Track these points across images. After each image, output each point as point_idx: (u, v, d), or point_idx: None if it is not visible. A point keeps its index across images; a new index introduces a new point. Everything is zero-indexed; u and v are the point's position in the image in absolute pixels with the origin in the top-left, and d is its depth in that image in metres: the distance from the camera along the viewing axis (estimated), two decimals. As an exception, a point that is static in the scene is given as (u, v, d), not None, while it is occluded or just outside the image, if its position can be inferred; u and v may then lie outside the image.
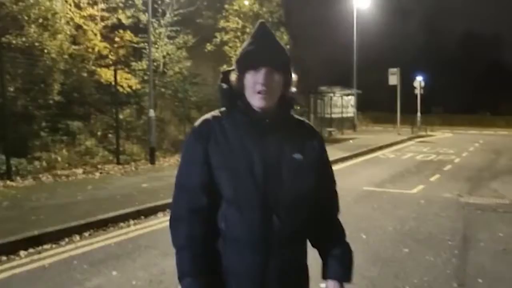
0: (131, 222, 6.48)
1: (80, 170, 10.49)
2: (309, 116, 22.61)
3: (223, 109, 1.71)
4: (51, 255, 5.10)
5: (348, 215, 6.98)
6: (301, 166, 1.67)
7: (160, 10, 15.32)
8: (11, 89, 10.35)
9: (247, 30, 17.46)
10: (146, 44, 13.79)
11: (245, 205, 1.60)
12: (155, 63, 15.35)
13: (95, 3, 14.06)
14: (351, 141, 20.88)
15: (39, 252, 5.14)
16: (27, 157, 10.07)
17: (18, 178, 9.12)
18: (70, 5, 12.97)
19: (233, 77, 1.66)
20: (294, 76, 1.74)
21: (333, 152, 15.64)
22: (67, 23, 12.63)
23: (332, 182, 1.86)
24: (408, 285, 4.26)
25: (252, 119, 1.64)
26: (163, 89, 15.63)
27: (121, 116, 13.16)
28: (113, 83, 12.61)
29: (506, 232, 6.20)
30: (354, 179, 10.70)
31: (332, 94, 24.96)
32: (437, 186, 9.85)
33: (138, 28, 15.03)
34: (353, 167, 13.21)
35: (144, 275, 4.43)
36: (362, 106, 31.79)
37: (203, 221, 1.62)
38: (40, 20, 11.33)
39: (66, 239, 5.57)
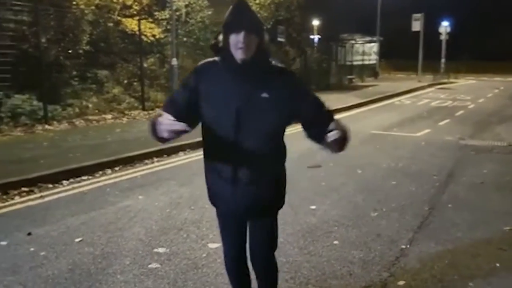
0: (155, 159, 7.37)
1: (109, 116, 11.43)
2: (330, 63, 22.88)
3: (216, 58, 2.35)
4: (88, 184, 6.04)
5: (349, 154, 7.74)
6: (267, 102, 2.23)
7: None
8: (44, 40, 11.14)
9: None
10: (168, -7, 14.29)
11: (221, 129, 2.24)
12: (177, 13, 15.85)
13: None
14: (370, 88, 21.22)
15: (79, 182, 6.09)
16: (61, 104, 11.01)
17: (54, 122, 10.11)
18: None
19: (221, 37, 2.26)
20: (266, 37, 2.30)
21: (348, 99, 16.19)
22: (93, -26, 13.19)
23: (315, 98, 2.35)
24: (386, 208, 5.02)
25: (233, 66, 2.22)
26: (185, 38, 16.18)
27: (145, 65, 13.91)
28: (137, 32, 13.29)
29: (491, 168, 6.83)
30: (364, 123, 11.32)
31: (353, 41, 25.00)
32: (443, 130, 10.41)
33: (160, -21, 15.47)
34: (366, 113, 13.78)
35: (165, 199, 5.31)
36: (385, 53, 31.67)
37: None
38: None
39: (100, 172, 6.51)
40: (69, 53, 11.82)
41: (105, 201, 5.24)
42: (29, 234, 4.21)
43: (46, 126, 9.75)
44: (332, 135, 2.09)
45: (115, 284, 3.31)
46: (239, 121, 2.21)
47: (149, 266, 3.59)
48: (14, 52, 10.39)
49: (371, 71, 27.61)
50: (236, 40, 2.17)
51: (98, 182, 6.12)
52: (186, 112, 2.25)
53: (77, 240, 4.10)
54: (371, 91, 19.75)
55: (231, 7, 2.28)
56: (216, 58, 2.33)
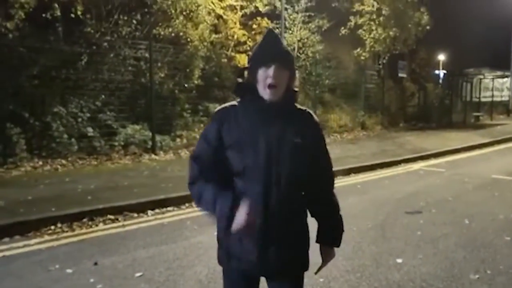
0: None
1: (214, 148, 11.61)
2: (452, 99, 21.30)
3: (238, 99, 2.06)
4: (172, 215, 6.03)
5: (459, 200, 6.84)
6: (299, 148, 1.99)
7: (295, -3, 15.85)
8: (162, 75, 11.85)
9: (383, 12, 17.06)
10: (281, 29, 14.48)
11: (250, 178, 1.96)
12: (289, 48, 15.98)
13: (235, -6, 15.13)
14: (498, 127, 19.21)
15: (163, 213, 6.11)
16: (171, 135, 11.50)
17: (161, 152, 10.54)
18: (212, -3, 14.19)
19: (247, 72, 2.02)
20: (297, 74, 2.09)
21: (470, 138, 14.75)
22: (209, 13, 13.86)
23: (328, 165, 2.20)
24: (491, 270, 4.19)
25: (261, 107, 1.97)
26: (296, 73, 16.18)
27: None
28: (248, 67, 13.53)
29: None
30: (485, 166, 10.11)
31: (481, 76, 23.05)
32: None
33: (274, 15, 15.78)
34: (490, 154, 12.35)
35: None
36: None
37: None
38: (185, 13, 12.69)
39: (186, 204, 6.48)
40: (185, 87, 12.39)
41: (180, 235, 5.14)
42: (96, 264, 4.21)
43: (153, 156, 10.18)
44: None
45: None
46: (270, 168, 1.95)
47: (198, 312, 3.32)
48: (132, 86, 11.19)
49: (502, 108, 25.12)
50: (265, 75, 1.93)
51: (181, 214, 6.09)
52: (215, 168, 2.01)
53: (137, 275, 3.99)
54: (499, 130, 17.83)
55: (260, 40, 2.08)
56: (235, 102, 2.07)
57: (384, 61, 18.51)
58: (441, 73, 26.47)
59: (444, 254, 4.62)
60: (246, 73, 2.04)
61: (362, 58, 17.62)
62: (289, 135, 1.98)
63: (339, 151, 11.51)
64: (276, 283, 2.10)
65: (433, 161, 11.01)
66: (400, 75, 21.05)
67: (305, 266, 2.13)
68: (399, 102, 20.25)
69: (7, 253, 4.49)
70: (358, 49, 17.61)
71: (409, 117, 20.11)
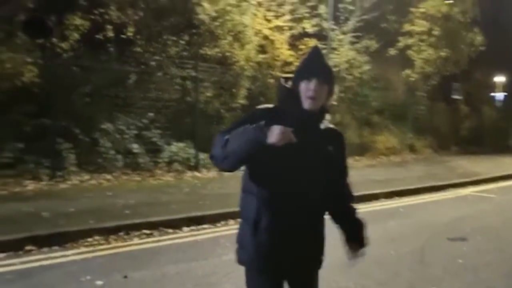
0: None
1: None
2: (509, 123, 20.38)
3: (276, 105, 2.19)
4: (207, 233, 6.05)
5: (506, 229, 6.47)
6: (331, 156, 2.19)
7: (342, 18, 15.79)
8: (208, 94, 12.08)
9: (435, 32, 16.66)
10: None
11: (282, 178, 2.07)
12: (335, 69, 15.88)
13: (283, 14, 15.28)
14: None
15: (198, 230, 6.14)
16: (216, 153, 11.60)
17: (204, 170, 10.65)
18: (259, 18, 14.40)
19: (290, 83, 2.18)
20: (336, 89, 2.23)
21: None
22: (256, 34, 14.06)
23: (347, 175, 2.38)
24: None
25: (300, 113, 2.11)
26: (342, 94, 16.04)
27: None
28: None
29: None
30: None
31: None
32: None
33: (321, 36, 15.78)
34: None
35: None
36: None
37: None
38: (232, 33, 12.93)
39: (222, 222, 6.48)
40: (230, 106, 12.55)
41: (211, 252, 5.13)
42: (125, 277, 4.27)
43: (195, 173, 10.32)
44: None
45: None
46: (303, 172, 2.10)
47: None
48: (178, 104, 11.46)
49: None
50: (307, 88, 2.10)
51: (216, 232, 6.09)
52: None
53: (164, 290, 4.01)
54: None
55: (305, 55, 2.27)
56: (272, 105, 2.20)
57: (435, 82, 17.99)
58: (501, 95, 25.40)
59: (485, 284, 4.37)
60: (289, 83, 2.19)
61: (411, 79, 17.21)
62: (323, 142, 2.17)
63: (384, 173, 11.24)
64: (297, 281, 2.25)
65: (483, 187, 10.52)
66: (454, 97, 20.39)
67: (321, 265, 2.31)
68: (451, 124, 19.58)
69: (44, 262, 4.64)
70: (407, 70, 17.23)
71: (462, 140, 19.39)
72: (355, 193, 2.40)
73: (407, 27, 16.77)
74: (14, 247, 4.93)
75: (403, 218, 7.24)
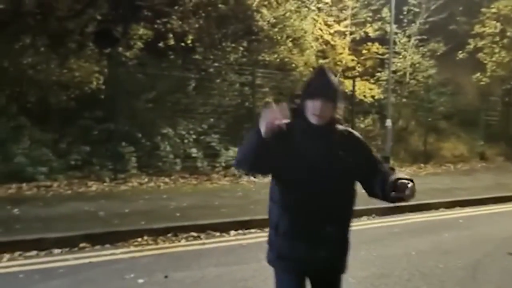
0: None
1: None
2: None
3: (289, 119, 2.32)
4: (254, 237, 6.10)
5: None
6: (342, 159, 2.32)
7: (405, 21, 15.36)
8: (267, 99, 12.18)
9: (508, 34, 15.74)
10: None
11: (298, 185, 2.28)
12: (399, 73, 15.44)
13: (344, 19, 15.12)
14: None
15: (245, 234, 6.21)
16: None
17: (260, 175, 10.74)
18: (320, 23, 14.35)
19: (297, 100, 2.37)
20: (342, 104, 2.41)
21: None
22: (316, 39, 14.02)
23: (376, 157, 2.45)
24: None
25: (309, 127, 2.31)
26: (404, 99, 15.57)
27: (362, 125, 13.82)
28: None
29: None
30: None
31: None
32: None
33: (384, 40, 15.42)
34: None
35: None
36: None
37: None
38: (291, 39, 12.98)
39: (270, 227, 6.51)
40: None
41: (254, 257, 5.16)
42: (166, 277, 4.42)
43: (252, 178, 10.40)
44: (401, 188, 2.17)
45: None
46: (316, 179, 2.26)
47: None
48: (237, 110, 11.66)
49: None
50: (313, 107, 2.26)
51: (263, 237, 5.97)
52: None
53: (200, 291, 4.11)
54: None
55: (312, 73, 2.47)
56: (288, 121, 2.31)
57: (510, 86, 16.97)
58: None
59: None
60: (297, 100, 2.37)
61: (482, 83, 16.34)
62: (334, 147, 2.31)
63: (448, 182, 10.74)
64: (320, 284, 2.40)
65: (559, 199, 9.75)
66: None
67: (345, 269, 2.43)
68: (527, 131, 18.32)
69: (93, 259, 4.90)
70: (478, 74, 16.39)
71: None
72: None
73: (477, 28, 15.98)
74: (70, 243, 5.26)
75: (461, 229, 6.90)
